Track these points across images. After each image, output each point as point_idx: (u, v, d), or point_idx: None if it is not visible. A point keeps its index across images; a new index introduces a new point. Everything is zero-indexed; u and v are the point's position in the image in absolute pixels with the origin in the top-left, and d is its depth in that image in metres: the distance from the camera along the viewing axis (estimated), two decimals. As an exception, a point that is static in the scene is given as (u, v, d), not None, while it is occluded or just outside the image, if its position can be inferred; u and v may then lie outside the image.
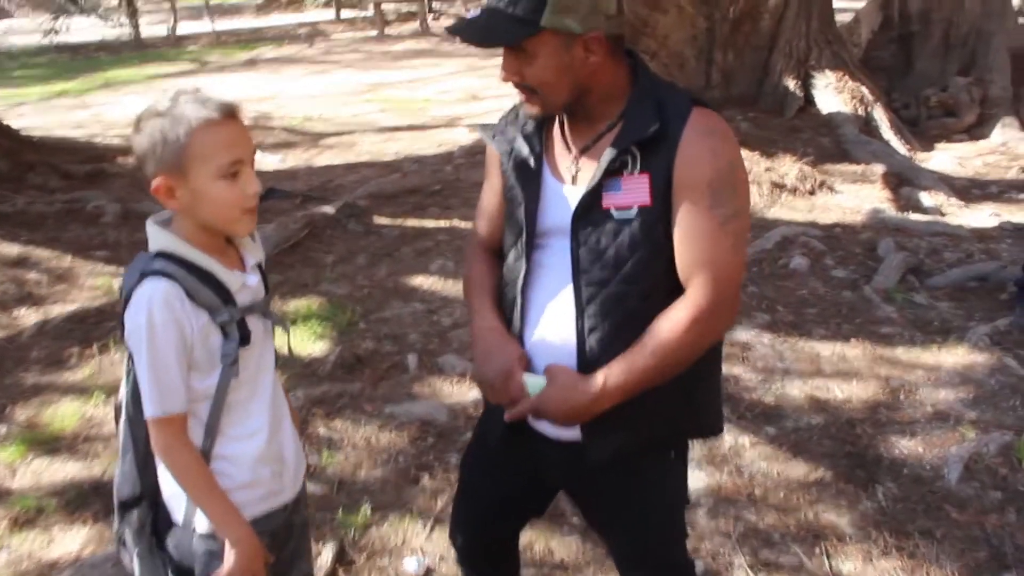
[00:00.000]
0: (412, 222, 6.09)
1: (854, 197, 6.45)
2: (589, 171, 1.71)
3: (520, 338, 1.81)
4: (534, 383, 1.73)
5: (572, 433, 1.79)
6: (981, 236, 5.66)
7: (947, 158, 7.80)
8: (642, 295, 1.70)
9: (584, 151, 1.75)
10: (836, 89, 8.36)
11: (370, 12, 22.44)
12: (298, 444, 1.90)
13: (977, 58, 9.10)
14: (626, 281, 1.69)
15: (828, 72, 8.48)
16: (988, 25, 9.17)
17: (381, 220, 6.16)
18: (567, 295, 1.74)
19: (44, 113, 12.04)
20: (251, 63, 17.18)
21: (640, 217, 1.66)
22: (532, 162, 1.78)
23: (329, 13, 25.01)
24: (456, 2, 21.69)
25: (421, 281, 4.96)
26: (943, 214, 6.24)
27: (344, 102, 11.77)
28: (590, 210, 1.69)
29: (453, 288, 4.82)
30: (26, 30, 24.00)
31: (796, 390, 3.81)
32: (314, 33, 22.10)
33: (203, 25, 23.42)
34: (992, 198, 6.71)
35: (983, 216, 6.15)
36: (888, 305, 4.61)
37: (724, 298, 1.68)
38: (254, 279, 1.75)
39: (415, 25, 21.52)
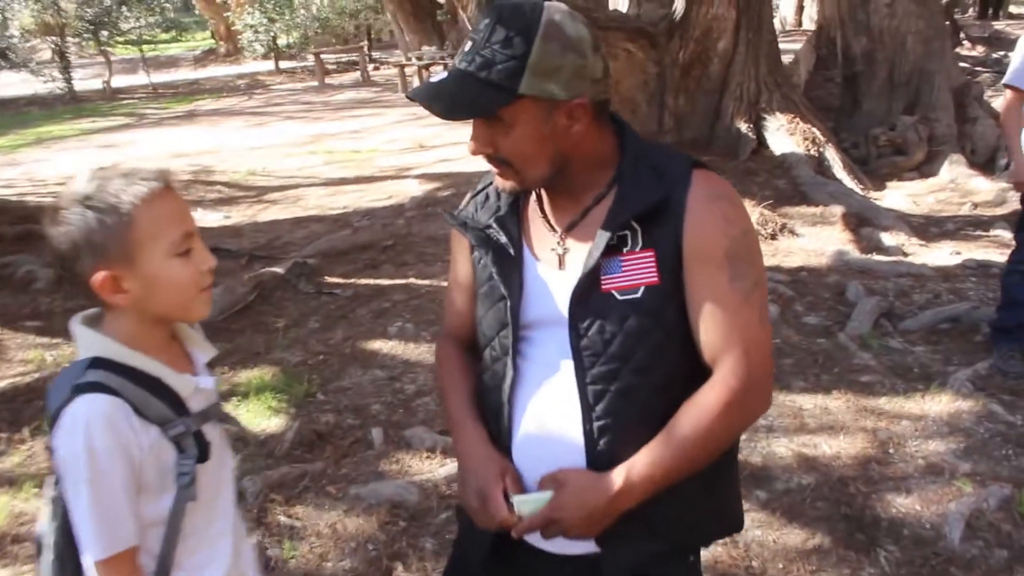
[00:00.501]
0: (366, 280, 5.83)
1: (816, 239, 6.38)
2: (580, 251, 1.51)
3: (509, 449, 1.57)
4: (533, 501, 1.49)
5: (582, 547, 1.55)
6: (946, 275, 5.60)
7: (900, 196, 7.81)
8: (658, 386, 1.49)
9: (570, 229, 1.55)
10: (788, 131, 8.38)
11: (310, 62, 22.30)
12: (258, 571, 1.66)
13: (921, 97, 9.20)
14: (639, 372, 1.48)
15: (779, 114, 8.51)
16: (930, 64, 9.30)
17: (333, 279, 5.90)
18: (567, 394, 1.51)
19: None
20: (189, 116, 16.87)
21: (648, 298, 1.46)
22: (511, 249, 1.57)
23: (268, 64, 24.85)
24: (395, 52, 21.62)
25: (380, 345, 4.70)
26: (905, 254, 6.19)
27: (287, 154, 11.53)
28: (588, 295, 1.48)
29: (414, 352, 4.57)
30: (-47, 86, 23.34)
31: (783, 448, 3.63)
32: (253, 84, 21.88)
33: (139, 78, 23.08)
34: (950, 235, 6.69)
35: (944, 255, 6.11)
36: (865, 352, 4.48)
37: (758, 377, 1.49)
38: (208, 380, 1.52)
39: (356, 75, 21.43)
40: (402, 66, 18.19)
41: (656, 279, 1.46)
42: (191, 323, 1.53)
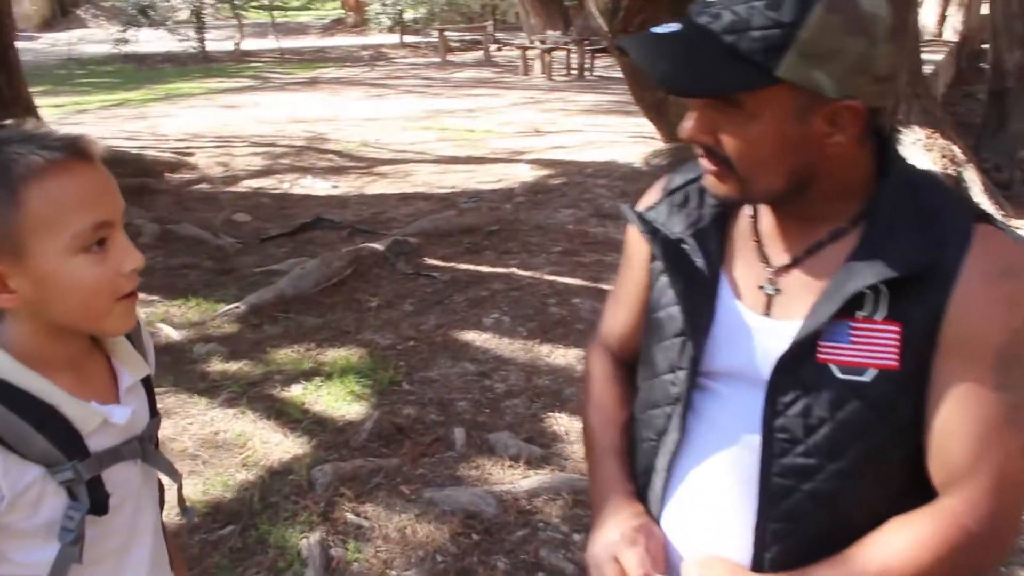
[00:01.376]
0: (466, 265, 5.62)
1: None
2: (797, 300, 1.15)
3: (659, 517, 1.26)
4: None
5: None
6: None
7: (1048, 227, 7.17)
8: (863, 498, 1.12)
9: (790, 266, 1.18)
10: (925, 146, 7.79)
11: (434, 38, 22.32)
12: None
13: (1078, 119, 8.48)
14: (843, 476, 1.11)
15: (916, 128, 7.92)
16: (1091, 83, 8.56)
17: (432, 261, 5.70)
18: (744, 480, 1.17)
19: (102, 122, 11.89)
20: (312, 82, 17.04)
21: (879, 385, 1.08)
22: (706, 272, 1.22)
23: (393, 37, 25.00)
24: (519, 34, 21.42)
25: (473, 337, 4.47)
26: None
27: (402, 128, 11.45)
28: (799, 363, 1.11)
29: (508, 347, 4.33)
30: (97, 39, 24.27)
31: None
32: (377, 56, 22.01)
33: (268, 43, 23.51)
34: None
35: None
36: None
37: (1002, 522, 1.09)
38: (123, 412, 1.17)
39: (478, 54, 21.32)
40: (524, 48, 17.99)
41: (895, 363, 1.08)
42: (107, 336, 1.19)
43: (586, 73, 17.00)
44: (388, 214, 7.13)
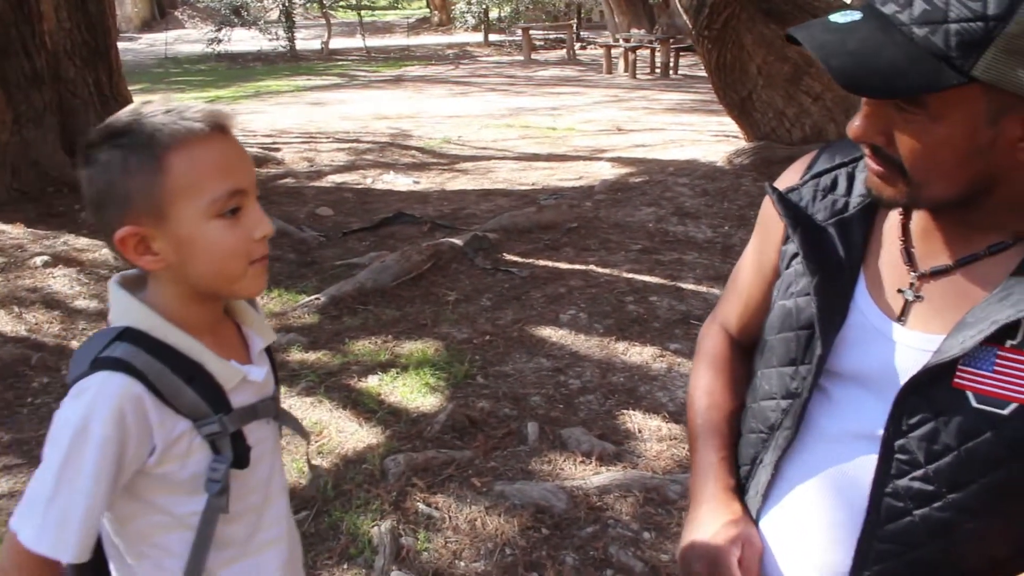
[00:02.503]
0: (544, 262, 5.61)
1: None
2: (937, 313, 1.08)
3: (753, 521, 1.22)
4: None
5: None
6: None
7: None
8: (978, 534, 1.05)
9: (938, 274, 1.09)
10: None
11: (518, 37, 22.37)
12: None
13: None
14: (962, 508, 1.04)
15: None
16: None
17: (511, 257, 5.71)
18: (850, 488, 1.11)
19: None
20: (397, 80, 17.27)
21: (1018, 421, 1.00)
22: (845, 268, 1.14)
23: (477, 36, 25.18)
24: (604, 32, 21.32)
25: (549, 333, 4.46)
26: None
27: (484, 125, 11.51)
28: (934, 383, 1.03)
29: (584, 344, 4.30)
30: (192, 39, 25.05)
31: None
32: (461, 55, 22.19)
33: (355, 41, 23.92)
34: None
35: None
36: None
37: None
38: (259, 372, 1.27)
39: (562, 52, 21.32)
40: (609, 47, 17.90)
41: None
42: (240, 299, 1.29)
43: (670, 72, 16.82)
44: (468, 210, 7.16)
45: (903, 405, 1.06)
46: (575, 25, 23.44)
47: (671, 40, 16.70)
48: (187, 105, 1.15)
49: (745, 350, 1.37)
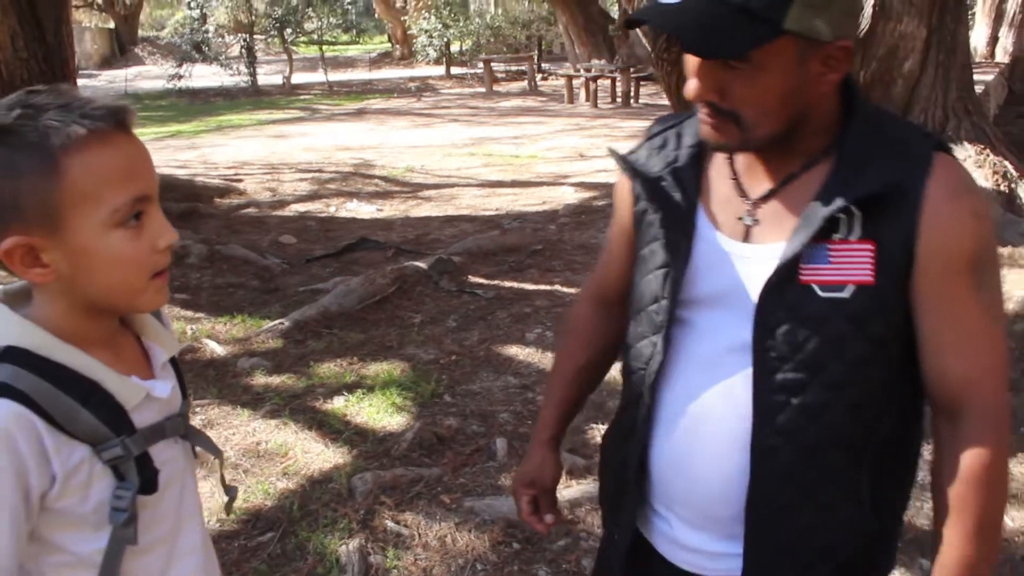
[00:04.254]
0: (509, 283, 5.59)
1: (1005, 282, 5.69)
2: (774, 227, 1.22)
3: (644, 457, 1.34)
4: None
5: (722, 566, 1.32)
6: None
7: (1108, 243, 6.94)
8: (850, 407, 1.20)
9: (766, 197, 1.25)
10: (976, 163, 7.61)
11: (479, 70, 22.53)
12: None
13: None
14: (831, 387, 1.19)
15: (967, 144, 7.74)
16: None
17: (476, 279, 5.70)
18: (736, 401, 1.23)
19: (154, 152, 11.71)
20: (359, 113, 17.28)
21: (857, 300, 1.17)
22: (683, 207, 1.28)
23: (439, 69, 25.31)
24: (564, 64, 21.55)
25: (516, 351, 4.44)
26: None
27: (447, 154, 11.53)
28: (784, 285, 1.19)
29: (551, 361, 4.27)
30: (153, 75, 24.93)
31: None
32: (423, 87, 22.28)
33: (317, 76, 23.92)
34: None
35: None
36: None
37: (1007, 422, 1.21)
38: (164, 387, 1.14)
39: (523, 84, 21.48)
40: (570, 77, 18.06)
41: (871, 278, 1.16)
42: (140, 313, 1.16)
43: (632, 100, 17.00)
44: (432, 235, 7.15)
45: (764, 309, 1.20)
46: (536, 57, 23.66)
47: (631, 69, 16.90)
48: (84, 99, 1.01)
49: (611, 306, 1.52)
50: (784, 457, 1.21)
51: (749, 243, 1.24)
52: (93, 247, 1.01)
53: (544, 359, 4.32)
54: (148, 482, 1.08)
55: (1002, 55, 15.89)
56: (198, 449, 1.25)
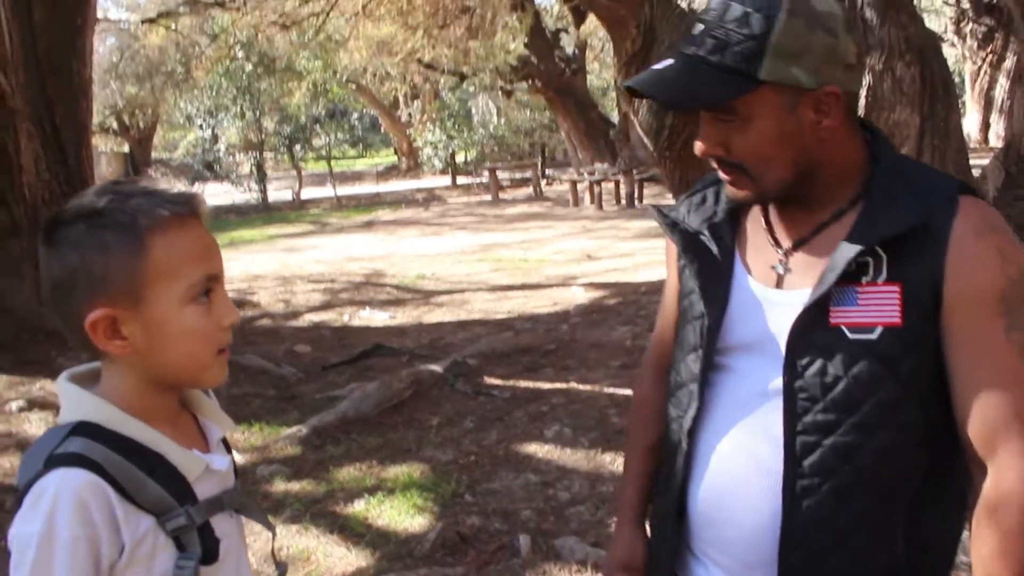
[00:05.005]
0: (525, 383, 5.62)
1: None
2: (805, 273, 1.27)
3: (682, 502, 1.35)
4: None
5: None
6: None
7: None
8: (882, 449, 1.21)
9: (798, 246, 1.30)
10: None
11: (485, 178, 23.00)
12: None
13: None
14: (862, 429, 1.21)
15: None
16: None
17: (492, 380, 5.72)
18: (769, 443, 1.26)
19: None
20: (368, 225, 17.58)
21: (885, 341, 1.20)
22: (719, 258, 1.34)
23: (445, 179, 25.85)
24: (568, 169, 22.00)
25: (535, 449, 4.43)
26: None
27: (456, 261, 11.68)
28: (813, 327, 1.23)
29: (571, 457, 4.27)
30: (164, 195, 25.45)
31: None
32: (430, 198, 22.70)
33: (326, 191, 24.44)
34: None
35: None
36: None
37: None
38: (222, 461, 1.21)
39: (528, 190, 21.87)
40: (574, 182, 18.42)
41: (898, 320, 1.19)
42: (203, 388, 1.24)
43: (636, 201, 17.30)
44: (446, 340, 7.19)
45: (794, 351, 1.23)
46: (540, 163, 24.18)
47: (634, 171, 17.25)
48: (164, 187, 1.14)
49: None
50: (816, 500, 1.22)
51: (783, 290, 1.29)
52: (169, 320, 1.10)
53: (563, 455, 4.31)
54: (209, 552, 1.13)
55: (995, 140, 16.22)
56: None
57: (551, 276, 10.01)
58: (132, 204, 1.09)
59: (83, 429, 1.08)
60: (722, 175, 1.29)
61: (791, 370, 1.23)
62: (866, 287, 1.21)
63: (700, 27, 1.23)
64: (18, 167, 6.40)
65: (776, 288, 1.30)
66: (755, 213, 1.37)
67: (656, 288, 8.21)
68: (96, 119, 18.24)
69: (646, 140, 7.47)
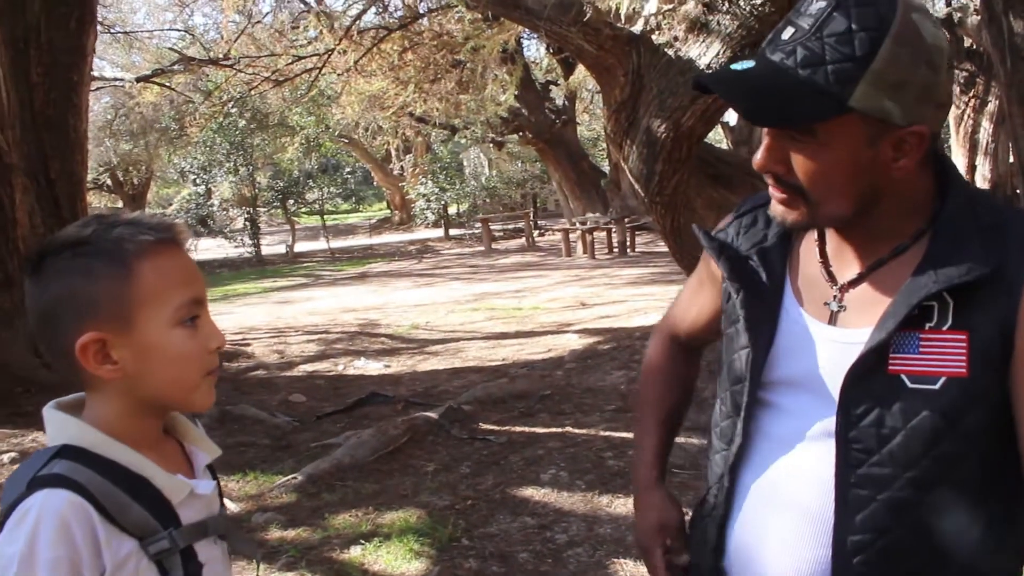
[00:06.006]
0: (520, 428, 5.60)
1: None
2: (863, 312, 1.19)
3: (720, 542, 1.29)
4: None
5: None
6: None
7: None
8: (940, 507, 1.14)
9: (854, 283, 1.22)
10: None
11: (477, 229, 23.13)
12: None
13: None
14: (918, 485, 1.14)
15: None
16: None
17: (487, 426, 5.70)
18: (818, 492, 1.19)
19: None
20: (362, 277, 17.63)
21: (949, 392, 1.12)
22: (769, 288, 1.27)
23: (438, 231, 25.99)
24: (560, 220, 22.16)
25: (531, 492, 4.41)
26: None
27: (450, 311, 11.70)
28: (871, 374, 1.15)
29: (568, 500, 4.25)
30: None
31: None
32: (423, 249, 22.82)
33: (319, 244, 24.57)
34: None
35: None
36: None
37: None
38: (207, 485, 1.22)
39: (521, 241, 22.00)
40: (566, 231, 18.54)
41: (964, 370, 1.11)
42: (191, 412, 1.25)
43: (628, 250, 17.40)
44: (441, 387, 7.18)
45: (848, 398, 1.15)
46: (532, 214, 24.36)
47: (626, 220, 17.38)
48: (145, 217, 1.17)
49: (690, 350, 1.57)
50: (867, 558, 1.16)
51: (836, 327, 1.21)
52: (158, 342, 1.13)
53: (560, 499, 4.29)
54: (191, 575, 1.12)
55: (981, 182, 16.40)
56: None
57: (545, 323, 10.02)
58: (116, 232, 1.12)
59: (68, 452, 1.10)
60: (774, 192, 1.20)
61: (845, 418, 1.16)
62: (929, 333, 1.13)
63: (791, 31, 1.12)
64: (12, 220, 6.44)
65: (829, 324, 1.22)
66: (809, 240, 1.29)
67: (650, 332, 8.22)
68: (90, 176, 18.36)
69: (636, 187, 7.55)
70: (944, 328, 1.12)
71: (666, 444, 1.52)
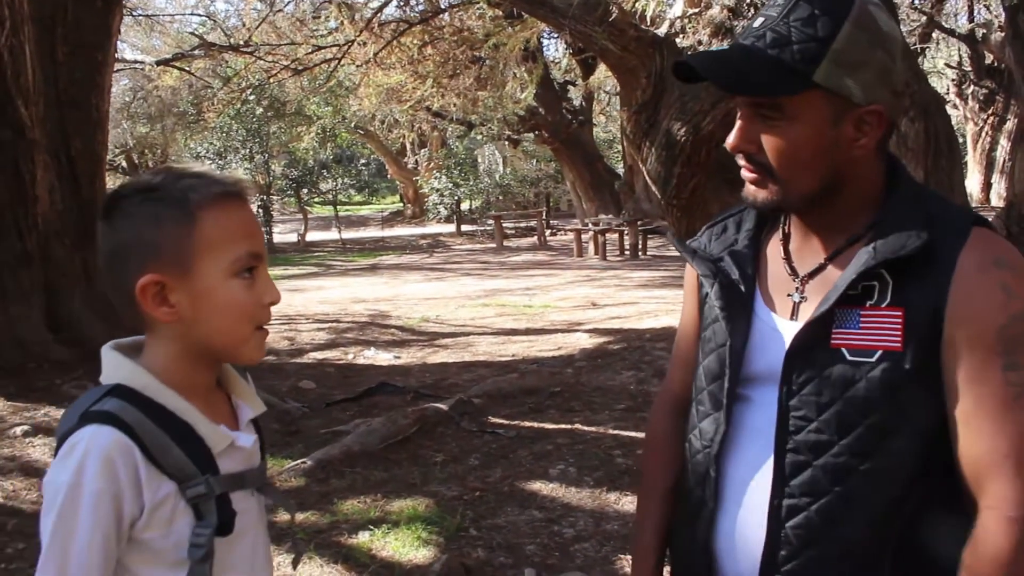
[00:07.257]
0: (529, 423, 5.62)
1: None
2: (816, 300, 1.27)
3: (712, 529, 1.33)
4: None
5: None
6: None
7: None
8: (874, 477, 1.20)
9: (813, 274, 1.30)
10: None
11: (489, 226, 23.16)
12: None
13: None
14: (852, 452, 1.20)
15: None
16: None
17: (497, 420, 5.73)
18: (764, 461, 1.27)
19: None
20: (372, 268, 17.69)
21: (884, 366, 1.19)
22: (742, 287, 1.34)
23: (450, 227, 26.02)
24: (572, 220, 22.17)
25: (540, 487, 4.43)
26: None
27: (461, 305, 11.73)
28: (812, 347, 1.23)
29: (576, 496, 4.27)
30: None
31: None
32: (435, 244, 22.86)
33: (331, 234, 24.64)
34: None
35: None
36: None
37: None
38: (248, 439, 1.26)
39: (533, 239, 22.02)
40: (579, 231, 18.56)
41: (899, 345, 1.18)
42: (241, 364, 1.29)
43: (639, 252, 17.40)
44: (450, 380, 7.21)
45: (792, 367, 1.24)
46: (544, 213, 24.37)
47: (638, 222, 17.39)
48: (212, 170, 1.24)
49: (688, 415, 1.51)
50: (800, 521, 1.22)
51: (795, 320, 1.29)
52: (214, 290, 1.17)
53: (568, 493, 4.31)
54: (225, 524, 1.17)
55: (997, 200, 16.38)
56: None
57: (555, 322, 10.04)
58: (184, 183, 1.17)
59: (119, 391, 1.15)
60: (746, 173, 1.28)
61: (786, 387, 1.24)
62: (869, 310, 1.20)
63: (761, 20, 1.23)
64: (33, 198, 6.48)
65: (791, 319, 1.30)
66: (774, 243, 1.38)
67: (661, 335, 8.24)
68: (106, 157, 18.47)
69: (654, 188, 7.57)
70: (883, 305, 1.20)
71: (667, 520, 1.51)
